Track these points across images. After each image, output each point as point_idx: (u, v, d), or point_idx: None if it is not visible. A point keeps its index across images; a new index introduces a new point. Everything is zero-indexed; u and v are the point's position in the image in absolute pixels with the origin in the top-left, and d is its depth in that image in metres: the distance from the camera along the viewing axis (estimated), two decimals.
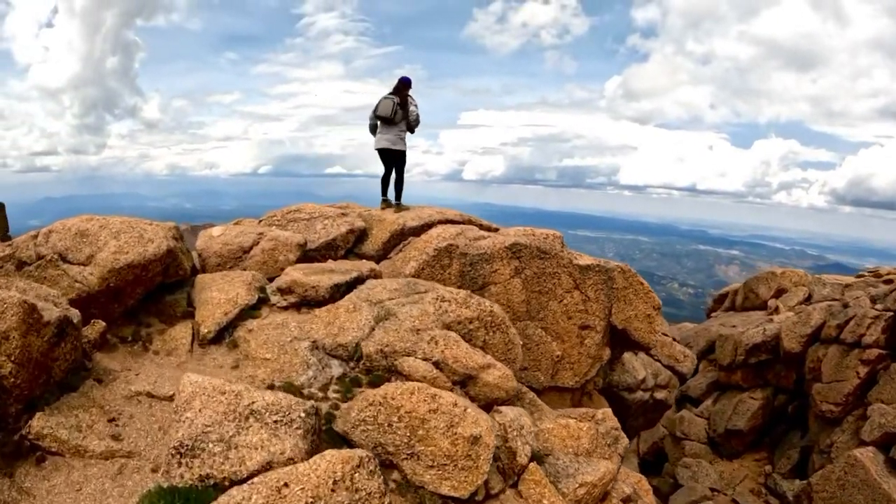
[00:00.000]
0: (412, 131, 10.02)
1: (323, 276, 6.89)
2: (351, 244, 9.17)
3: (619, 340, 11.94)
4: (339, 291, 6.81)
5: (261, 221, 9.53)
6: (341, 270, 7.33)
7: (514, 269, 9.60)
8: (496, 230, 10.36)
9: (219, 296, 6.30)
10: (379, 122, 9.93)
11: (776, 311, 18.75)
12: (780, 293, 20.33)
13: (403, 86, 9.80)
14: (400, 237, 9.29)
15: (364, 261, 8.23)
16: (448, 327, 6.26)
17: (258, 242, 8.13)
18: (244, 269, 7.86)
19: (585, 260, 10.88)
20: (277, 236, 8.17)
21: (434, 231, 9.14)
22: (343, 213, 9.37)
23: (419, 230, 9.40)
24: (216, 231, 8.27)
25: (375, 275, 7.68)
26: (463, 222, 9.92)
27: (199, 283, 6.79)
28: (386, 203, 10.25)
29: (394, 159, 10.05)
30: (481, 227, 10.13)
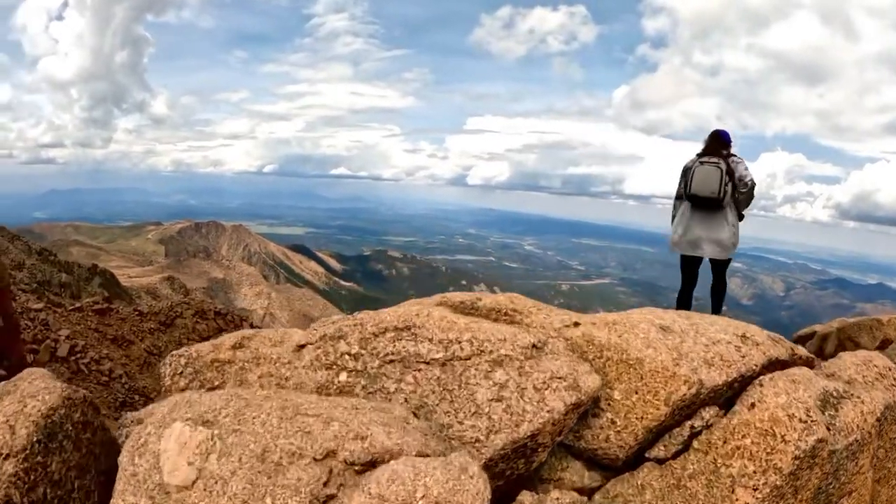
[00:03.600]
0: (742, 209, 5.64)
1: None
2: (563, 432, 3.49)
3: None
4: None
5: (290, 363, 3.75)
6: None
7: (871, 458, 4.13)
8: (811, 362, 4.73)
9: None
10: (687, 205, 5.55)
11: None
12: (885, 344, 16.34)
13: (722, 143, 5.65)
14: (687, 410, 3.59)
15: None
16: None
17: None
18: None
19: None
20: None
21: (770, 400, 3.45)
22: (536, 347, 3.55)
23: (723, 392, 3.71)
24: (175, 457, 2.47)
25: None
26: (790, 361, 4.25)
27: None
28: None
29: (713, 266, 5.92)
30: (795, 357, 4.50)
